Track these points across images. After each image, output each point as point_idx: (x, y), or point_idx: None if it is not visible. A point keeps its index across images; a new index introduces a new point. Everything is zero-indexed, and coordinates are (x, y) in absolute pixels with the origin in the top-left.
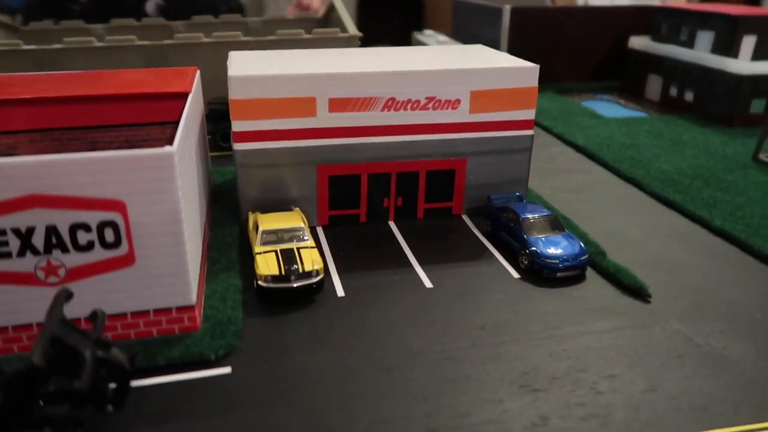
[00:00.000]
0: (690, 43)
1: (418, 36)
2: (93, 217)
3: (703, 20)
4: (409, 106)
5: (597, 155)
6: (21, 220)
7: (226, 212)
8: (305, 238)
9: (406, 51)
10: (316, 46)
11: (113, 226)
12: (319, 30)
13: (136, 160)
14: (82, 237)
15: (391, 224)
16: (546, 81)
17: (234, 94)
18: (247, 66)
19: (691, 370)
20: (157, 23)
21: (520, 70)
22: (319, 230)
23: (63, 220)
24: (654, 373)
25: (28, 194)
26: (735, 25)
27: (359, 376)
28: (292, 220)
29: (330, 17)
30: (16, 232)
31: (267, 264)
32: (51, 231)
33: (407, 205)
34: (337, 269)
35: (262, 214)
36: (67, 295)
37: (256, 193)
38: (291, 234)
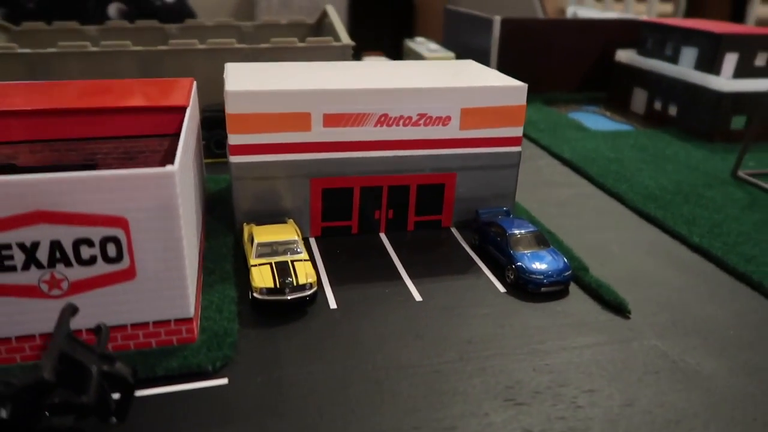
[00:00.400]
0: (674, 59)
1: (409, 44)
2: (96, 233)
3: (687, 37)
4: (401, 122)
5: (582, 169)
6: (26, 235)
7: (221, 222)
8: (299, 250)
9: (399, 66)
10: (310, 54)
11: (115, 241)
12: (312, 39)
13: (139, 178)
14: (85, 252)
15: (382, 236)
16: (534, 91)
17: (231, 108)
18: (243, 80)
19: (666, 386)
20: (152, 26)
21: (509, 89)
22: (312, 241)
23: (67, 235)
24: (631, 388)
25: (33, 210)
26: (718, 42)
27: (350, 388)
28: (287, 232)
29: (323, 25)
30: (21, 246)
31: (262, 276)
32: (55, 246)
33: (398, 217)
34: (329, 281)
35: (257, 226)
36: (73, 311)
37: (251, 205)
38: (285, 247)
